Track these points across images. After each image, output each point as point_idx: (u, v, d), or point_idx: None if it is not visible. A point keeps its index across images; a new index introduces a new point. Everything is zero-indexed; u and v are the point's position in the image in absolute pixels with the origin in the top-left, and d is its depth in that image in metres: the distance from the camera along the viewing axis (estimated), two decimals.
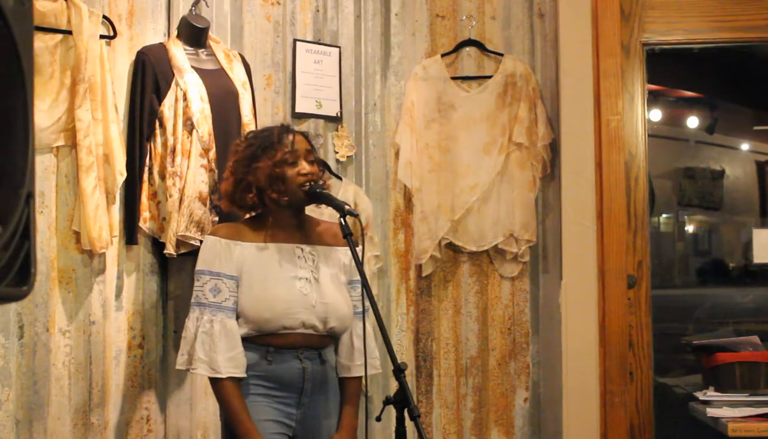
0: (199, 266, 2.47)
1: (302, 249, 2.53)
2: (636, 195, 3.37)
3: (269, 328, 2.43)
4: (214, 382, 2.40)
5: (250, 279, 2.44)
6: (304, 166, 2.48)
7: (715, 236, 5.38)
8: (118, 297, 2.88)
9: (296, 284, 2.47)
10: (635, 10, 3.40)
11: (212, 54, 3.06)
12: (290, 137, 2.50)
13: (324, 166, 2.68)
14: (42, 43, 2.66)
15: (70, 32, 2.71)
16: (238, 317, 2.44)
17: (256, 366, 2.43)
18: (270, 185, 2.45)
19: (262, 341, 2.44)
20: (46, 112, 2.66)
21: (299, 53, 3.39)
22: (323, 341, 2.52)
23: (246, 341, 2.43)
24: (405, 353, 3.52)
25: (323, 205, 2.63)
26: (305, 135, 2.57)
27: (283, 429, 2.45)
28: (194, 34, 3.01)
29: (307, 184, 2.47)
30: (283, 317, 2.42)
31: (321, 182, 2.52)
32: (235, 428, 2.38)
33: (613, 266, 3.32)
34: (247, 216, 2.58)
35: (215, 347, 2.38)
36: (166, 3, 3.07)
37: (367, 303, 2.42)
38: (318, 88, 3.43)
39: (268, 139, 2.50)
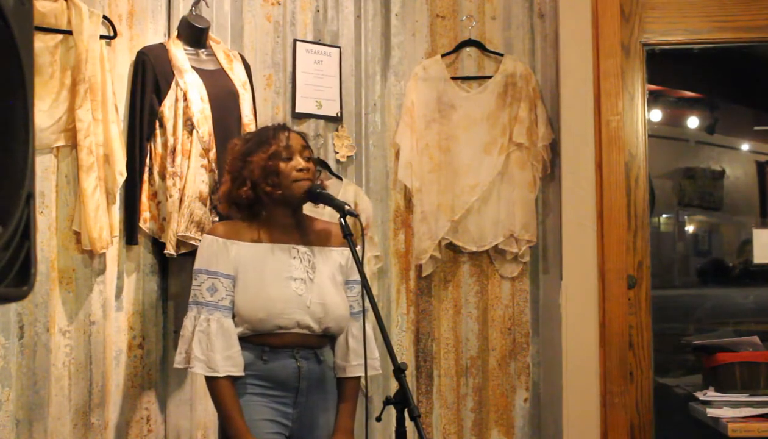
0: (196, 265, 2.48)
1: (298, 249, 2.53)
2: (636, 195, 3.37)
3: (264, 328, 2.43)
4: (211, 380, 2.40)
5: (245, 278, 2.45)
6: (300, 162, 2.50)
7: (715, 236, 5.38)
8: (118, 297, 2.88)
9: (291, 284, 2.47)
10: (635, 10, 3.40)
11: (212, 54, 3.06)
12: (285, 134, 2.53)
13: (323, 166, 2.69)
14: (42, 43, 2.65)
15: (70, 32, 2.71)
16: (234, 316, 2.44)
17: (252, 365, 2.44)
18: (264, 178, 2.47)
19: (258, 341, 2.44)
20: (46, 113, 2.66)
21: (299, 53, 3.39)
22: (319, 340, 2.52)
23: (242, 340, 2.44)
24: (405, 353, 3.52)
25: (322, 205, 2.63)
26: (302, 135, 2.59)
27: (280, 429, 2.45)
28: (194, 35, 3.01)
29: (307, 181, 2.49)
30: (277, 317, 2.42)
31: (318, 182, 2.54)
32: (228, 427, 2.39)
33: (613, 266, 3.32)
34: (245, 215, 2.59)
35: (212, 346, 2.38)
36: (166, 3, 3.07)
37: (366, 303, 2.42)
38: (318, 88, 3.42)
39: (264, 135, 2.55)
